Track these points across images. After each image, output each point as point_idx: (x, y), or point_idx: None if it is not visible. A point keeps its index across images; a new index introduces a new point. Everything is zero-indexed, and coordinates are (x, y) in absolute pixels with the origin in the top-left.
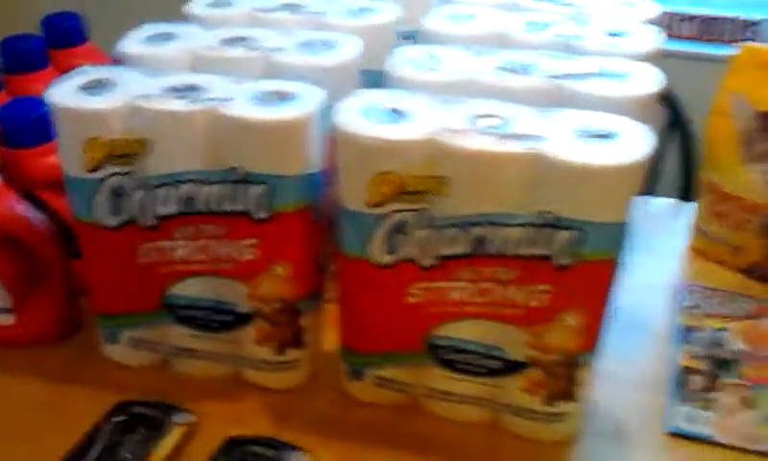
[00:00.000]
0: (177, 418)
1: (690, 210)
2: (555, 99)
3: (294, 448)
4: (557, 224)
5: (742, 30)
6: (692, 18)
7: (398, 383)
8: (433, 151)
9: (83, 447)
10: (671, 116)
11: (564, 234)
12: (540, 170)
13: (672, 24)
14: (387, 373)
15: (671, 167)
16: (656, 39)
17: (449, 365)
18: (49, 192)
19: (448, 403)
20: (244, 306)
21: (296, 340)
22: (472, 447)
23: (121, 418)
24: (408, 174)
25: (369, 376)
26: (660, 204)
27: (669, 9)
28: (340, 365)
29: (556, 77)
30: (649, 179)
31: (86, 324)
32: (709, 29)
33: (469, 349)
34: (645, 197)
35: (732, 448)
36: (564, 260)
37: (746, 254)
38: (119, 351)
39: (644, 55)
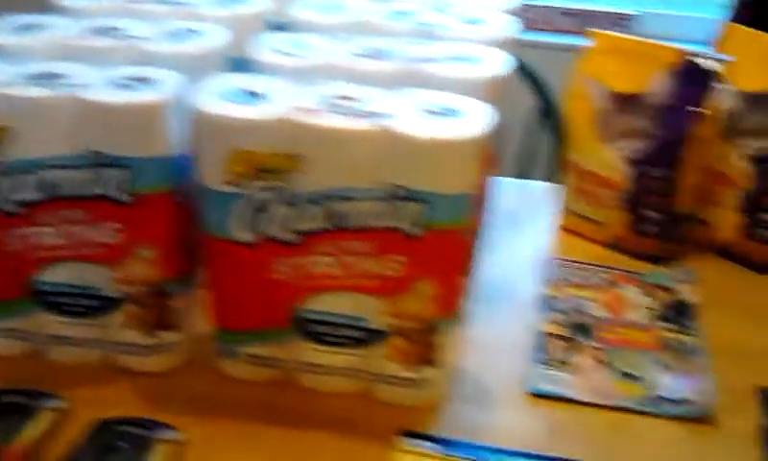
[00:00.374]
0: (47, 403)
1: (559, 189)
2: (409, 81)
3: (166, 426)
4: (406, 196)
5: (617, 22)
6: (572, 13)
7: (270, 359)
8: (287, 129)
9: None
10: (543, 104)
11: (412, 206)
12: (389, 145)
13: (554, 19)
14: (258, 349)
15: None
16: (511, 28)
17: (317, 338)
18: None
19: (319, 376)
20: (111, 291)
21: (166, 323)
22: (345, 416)
23: None
24: (264, 152)
25: (241, 354)
26: (537, 186)
27: (551, 4)
28: (213, 346)
29: (410, 60)
30: (525, 162)
31: None
32: (587, 22)
33: (334, 321)
34: (522, 180)
35: (589, 404)
36: (415, 231)
37: (609, 229)
38: None
39: (500, 41)
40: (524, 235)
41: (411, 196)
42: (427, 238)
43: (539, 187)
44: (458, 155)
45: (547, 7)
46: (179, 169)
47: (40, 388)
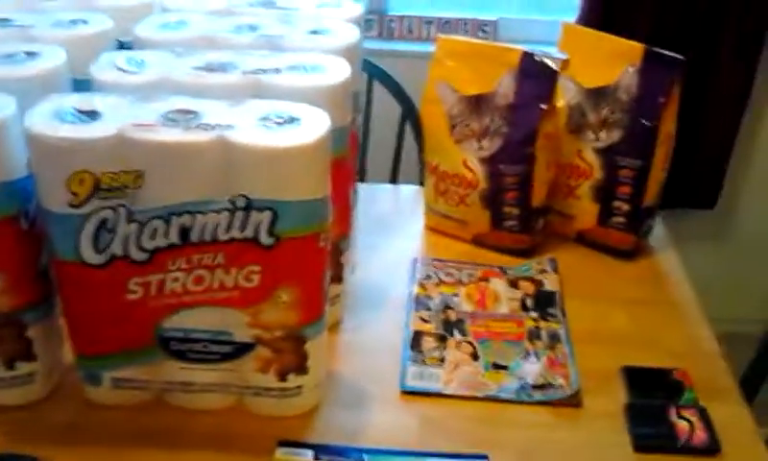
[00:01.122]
0: None
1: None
2: (251, 92)
3: (30, 458)
4: (251, 206)
5: (477, 29)
6: (432, 21)
7: (136, 381)
8: (125, 146)
9: None
10: (405, 109)
11: (259, 216)
12: (229, 156)
13: (417, 28)
14: (123, 373)
15: (413, 156)
16: (353, 35)
17: (182, 356)
18: None
19: (189, 394)
20: None
21: (22, 354)
22: (219, 432)
23: None
24: (102, 171)
25: (105, 379)
26: (406, 190)
27: (411, 13)
28: (77, 373)
29: (252, 72)
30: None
31: None
32: (450, 30)
33: (198, 337)
34: (391, 185)
35: (460, 397)
36: (266, 240)
37: (472, 227)
38: None
39: (342, 50)
40: (395, 238)
41: (256, 205)
42: (280, 246)
43: (408, 191)
44: (298, 161)
45: (410, 16)
46: (22, 193)
47: None
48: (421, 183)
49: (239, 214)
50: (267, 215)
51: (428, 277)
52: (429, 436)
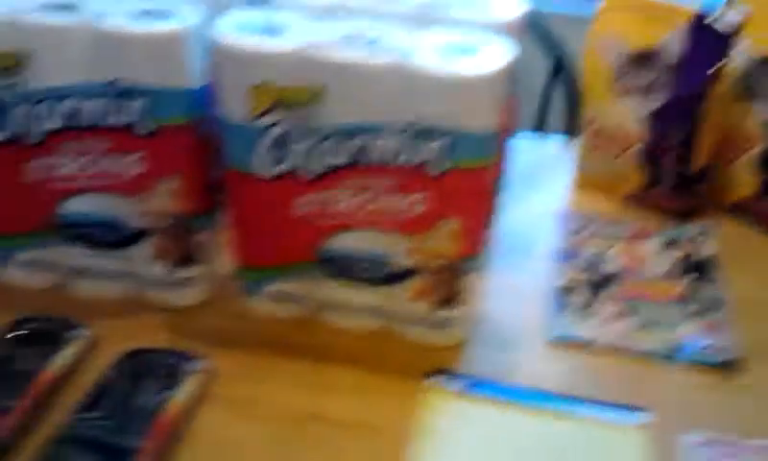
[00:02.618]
0: (73, 333)
1: (576, 145)
2: (424, 23)
3: (191, 356)
4: (428, 133)
5: None
6: None
7: (293, 296)
8: (305, 62)
9: None
10: (557, 61)
11: (432, 144)
12: (408, 81)
13: None
14: (281, 286)
15: (560, 108)
16: None
17: (340, 276)
18: None
19: (342, 314)
20: (135, 223)
21: (190, 257)
22: (367, 354)
23: (16, 334)
24: (284, 85)
25: (264, 291)
26: (552, 143)
27: None
28: (236, 283)
29: (428, 4)
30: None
31: None
32: None
33: (358, 258)
34: (537, 135)
35: (610, 350)
36: (438, 168)
37: (625, 185)
38: (12, 274)
39: None
40: (541, 191)
41: (433, 133)
42: (451, 176)
43: (555, 144)
44: (478, 91)
45: None
46: (200, 102)
47: (66, 319)
48: (568, 137)
49: (412, 141)
50: (440, 144)
51: (578, 231)
52: (580, 386)
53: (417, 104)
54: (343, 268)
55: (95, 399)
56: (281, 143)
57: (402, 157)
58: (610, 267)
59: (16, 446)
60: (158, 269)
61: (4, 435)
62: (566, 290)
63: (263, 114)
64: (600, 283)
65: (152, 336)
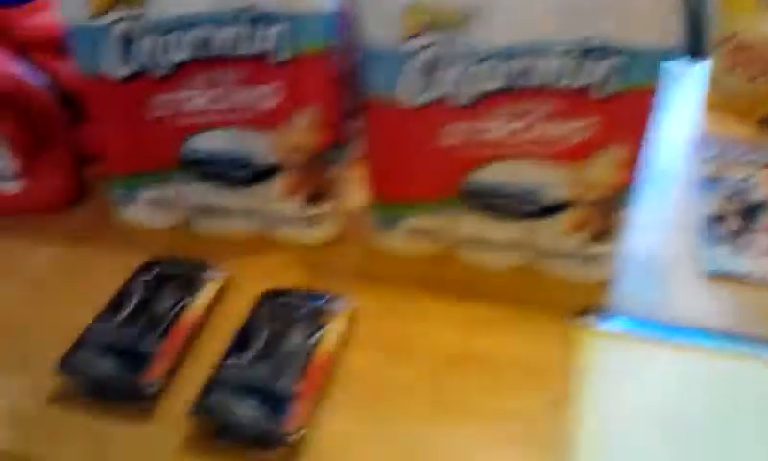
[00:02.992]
0: (208, 274)
1: (705, 65)
2: None
3: (335, 296)
4: (598, 51)
5: None
6: None
7: (432, 232)
8: None
9: (114, 306)
10: None
11: (605, 62)
12: None
13: None
14: (420, 222)
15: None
16: None
17: (485, 210)
18: (43, 55)
19: (483, 250)
20: (269, 158)
21: (324, 192)
22: (510, 293)
23: (150, 277)
24: (438, 4)
25: (401, 227)
26: (676, 60)
27: None
28: (370, 218)
29: None
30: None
31: (95, 192)
32: None
33: (507, 192)
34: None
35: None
36: (605, 91)
37: (763, 106)
38: (137, 213)
39: None
40: (669, 114)
41: (603, 50)
42: (618, 100)
43: (678, 61)
44: (658, 4)
45: None
46: (339, 26)
47: (199, 260)
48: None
49: (579, 61)
50: (610, 64)
51: (717, 157)
52: (739, 323)
53: (586, 20)
54: (488, 202)
55: (243, 342)
56: (430, 68)
57: (566, 81)
58: (756, 195)
59: (165, 393)
60: (290, 206)
61: (152, 383)
62: (715, 220)
63: (412, 37)
64: (749, 212)
65: (285, 276)
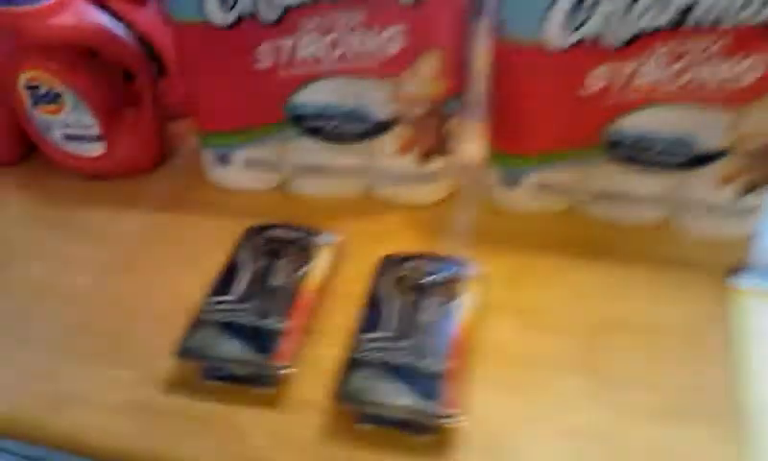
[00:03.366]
0: (322, 239)
1: None
2: None
3: (464, 260)
4: None
5: None
6: None
7: (563, 187)
8: None
9: (225, 279)
10: None
11: None
12: None
13: None
14: (551, 176)
15: None
16: None
17: (629, 161)
18: (120, 3)
19: (621, 206)
20: (384, 111)
21: (441, 147)
22: (650, 251)
23: (259, 244)
24: None
25: (527, 182)
26: None
27: None
28: (488, 174)
29: None
30: None
31: (180, 152)
32: None
33: (656, 141)
34: None
35: None
36: None
37: None
38: (232, 175)
39: None
40: None
41: None
42: None
43: None
44: None
45: None
46: None
47: (310, 224)
48: None
49: None
50: None
51: None
52: None
53: None
54: (633, 152)
55: (375, 316)
56: (580, 4)
57: (741, 15)
58: None
59: (296, 374)
60: (403, 162)
61: (284, 364)
62: None
63: None
64: None
65: (401, 238)
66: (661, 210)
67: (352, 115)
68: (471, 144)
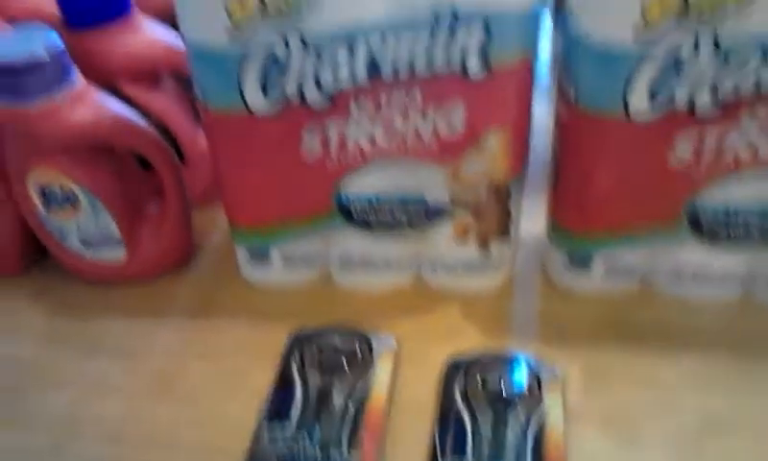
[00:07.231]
0: (380, 345)
1: None
2: None
3: (538, 362)
4: None
5: None
6: None
7: (638, 266)
8: None
9: (276, 402)
10: None
11: None
12: None
13: None
14: (626, 255)
15: None
16: None
17: (714, 236)
18: (132, 87)
19: (699, 282)
20: (441, 195)
21: (501, 231)
22: (728, 331)
23: (308, 356)
24: None
25: (598, 263)
26: None
27: None
28: (552, 256)
29: None
30: None
31: (204, 247)
32: None
33: (746, 211)
34: None
35: None
36: None
37: None
38: (270, 272)
39: None
40: None
41: None
42: None
43: None
44: None
45: None
46: (537, 30)
47: (362, 325)
48: None
49: None
50: None
51: None
52: None
53: None
54: (719, 226)
55: (460, 438)
56: (672, 68)
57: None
58: None
59: None
60: (460, 249)
61: None
62: None
63: (659, 27)
64: None
65: (461, 334)
66: (739, 289)
67: (406, 202)
68: (531, 223)
